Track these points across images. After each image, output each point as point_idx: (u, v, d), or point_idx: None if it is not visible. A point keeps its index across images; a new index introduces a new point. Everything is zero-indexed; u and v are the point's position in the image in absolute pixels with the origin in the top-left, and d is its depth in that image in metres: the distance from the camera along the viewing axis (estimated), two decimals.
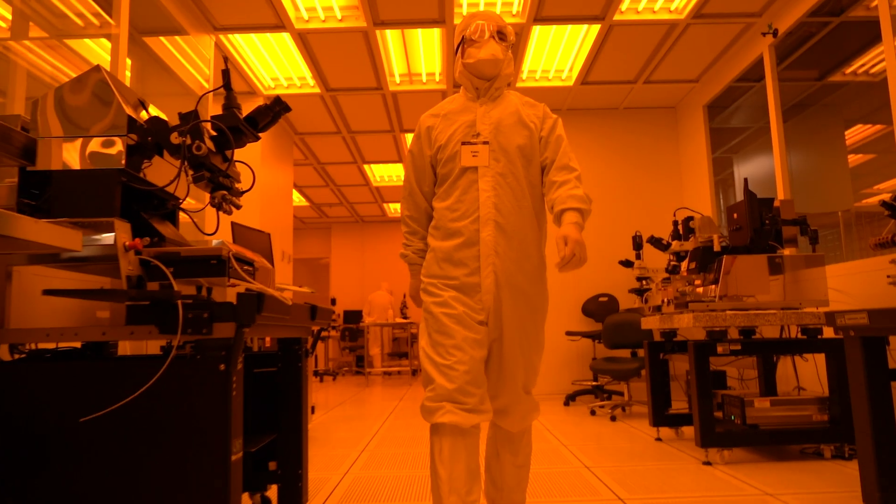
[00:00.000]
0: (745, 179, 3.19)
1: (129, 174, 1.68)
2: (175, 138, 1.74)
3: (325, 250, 11.94)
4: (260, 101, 5.47)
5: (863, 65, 5.28)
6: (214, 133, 1.82)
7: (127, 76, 3.53)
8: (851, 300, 3.25)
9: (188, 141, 1.72)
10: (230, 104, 1.86)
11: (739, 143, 6.54)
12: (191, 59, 4.58)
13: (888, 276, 2.10)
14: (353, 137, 6.86)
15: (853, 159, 6.54)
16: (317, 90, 5.52)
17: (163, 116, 1.87)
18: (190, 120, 1.76)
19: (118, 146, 1.67)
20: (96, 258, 1.58)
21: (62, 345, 1.82)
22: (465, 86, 1.96)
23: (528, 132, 1.88)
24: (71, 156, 1.67)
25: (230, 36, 4.64)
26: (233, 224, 3.35)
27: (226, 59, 1.83)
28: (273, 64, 5.16)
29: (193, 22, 4.32)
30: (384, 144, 7.15)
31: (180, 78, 4.64)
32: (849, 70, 5.40)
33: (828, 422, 2.96)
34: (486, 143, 1.84)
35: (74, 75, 1.70)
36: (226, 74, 1.86)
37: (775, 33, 4.41)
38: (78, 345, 1.84)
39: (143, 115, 1.84)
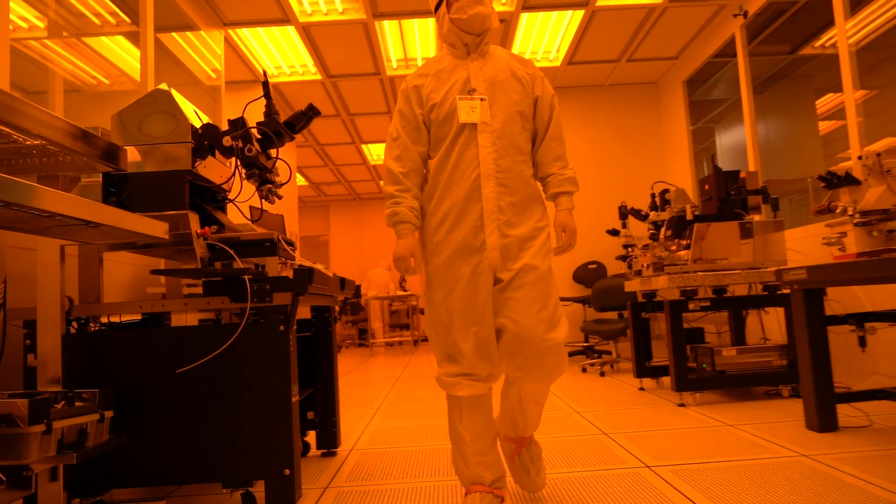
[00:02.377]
0: (713, 155, 3.57)
1: (193, 174, 2.04)
2: (227, 141, 2.10)
3: (325, 228, 12.29)
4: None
5: (831, 38, 5.61)
6: (259, 136, 2.18)
7: (151, 73, 3.84)
8: (807, 259, 3.67)
9: (240, 144, 2.08)
10: (270, 111, 2.22)
11: (720, 113, 6.90)
12: (200, 52, 4.87)
13: (823, 238, 2.50)
14: (351, 119, 7.18)
15: (827, 126, 6.90)
16: (318, 77, 5.82)
17: (204, 117, 2.22)
18: (238, 126, 2.13)
19: (184, 151, 2.03)
20: (170, 243, 1.97)
21: (125, 318, 2.22)
22: (452, 43, 1.91)
23: (522, 87, 1.88)
24: (147, 160, 2.03)
25: (238, 30, 4.92)
26: (251, 208, 3.71)
27: (265, 73, 2.18)
28: (277, 53, 5.46)
29: (204, 18, 4.61)
30: (382, 125, 7.47)
31: (189, 70, 4.94)
32: (818, 43, 5.73)
33: (786, 366, 3.39)
34: (483, 99, 1.82)
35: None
36: (265, 86, 2.22)
37: (745, 15, 4.74)
38: (139, 317, 2.25)
39: (197, 122, 2.20)
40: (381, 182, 1.98)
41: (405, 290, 10.18)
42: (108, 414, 1.74)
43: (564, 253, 1.87)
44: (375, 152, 8.82)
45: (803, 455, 2.24)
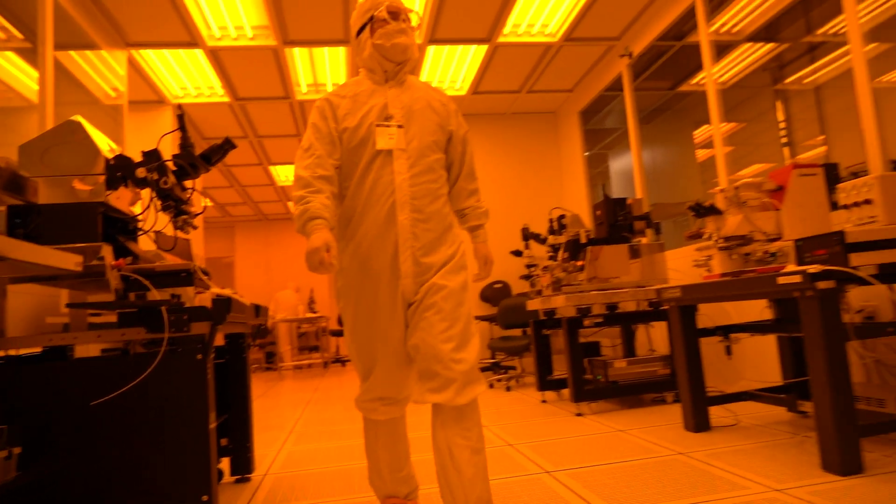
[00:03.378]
0: (604, 185, 3.92)
1: (106, 205, 2.05)
2: (141, 173, 2.13)
3: (230, 249, 11.95)
4: (168, 110, 5.67)
5: (704, 77, 6.27)
6: (175, 168, 2.22)
7: (50, 93, 3.71)
8: (684, 277, 4.09)
9: (155, 176, 2.12)
10: (186, 144, 2.27)
11: (612, 141, 7.49)
12: (100, 71, 4.72)
13: (693, 261, 2.85)
14: (259, 141, 7.13)
15: (704, 154, 7.64)
16: (226, 99, 5.78)
17: (111, 144, 2.24)
18: (153, 158, 2.16)
19: (97, 183, 2.04)
20: (84, 275, 1.97)
21: (23, 351, 2.18)
22: (371, 68, 1.92)
23: (438, 117, 1.92)
24: (57, 191, 2.02)
25: (142, 50, 4.82)
26: (156, 233, 3.65)
27: (180, 107, 2.23)
28: (183, 75, 5.37)
29: (106, 38, 4.48)
30: (291, 147, 7.46)
31: (87, 88, 4.77)
32: (693, 81, 6.37)
33: (669, 374, 3.76)
34: (400, 126, 1.84)
35: None
36: (181, 119, 2.26)
37: (630, 55, 5.23)
38: (39, 350, 2.21)
39: (108, 151, 2.21)
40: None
41: (314, 312, 10.08)
42: (17, 450, 1.72)
43: (482, 281, 2.00)
44: (283, 174, 8.76)
45: (680, 453, 2.53)
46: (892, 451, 2.29)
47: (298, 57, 5.13)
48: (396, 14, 1.88)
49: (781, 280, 2.18)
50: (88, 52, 4.54)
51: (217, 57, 4.92)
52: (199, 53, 4.88)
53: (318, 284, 11.69)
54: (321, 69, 5.45)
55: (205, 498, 1.88)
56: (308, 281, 11.51)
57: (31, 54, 4.03)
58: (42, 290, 2.94)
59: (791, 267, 2.29)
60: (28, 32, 4.04)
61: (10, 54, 4.21)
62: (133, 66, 5.00)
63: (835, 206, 2.78)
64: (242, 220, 11.79)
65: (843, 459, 2.05)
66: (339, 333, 10.26)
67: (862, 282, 2.10)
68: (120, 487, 1.84)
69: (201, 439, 1.91)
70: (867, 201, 2.34)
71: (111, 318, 2.20)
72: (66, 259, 1.73)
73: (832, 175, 2.88)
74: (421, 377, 1.76)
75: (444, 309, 1.77)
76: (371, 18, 1.89)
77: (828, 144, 5.60)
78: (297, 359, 10.50)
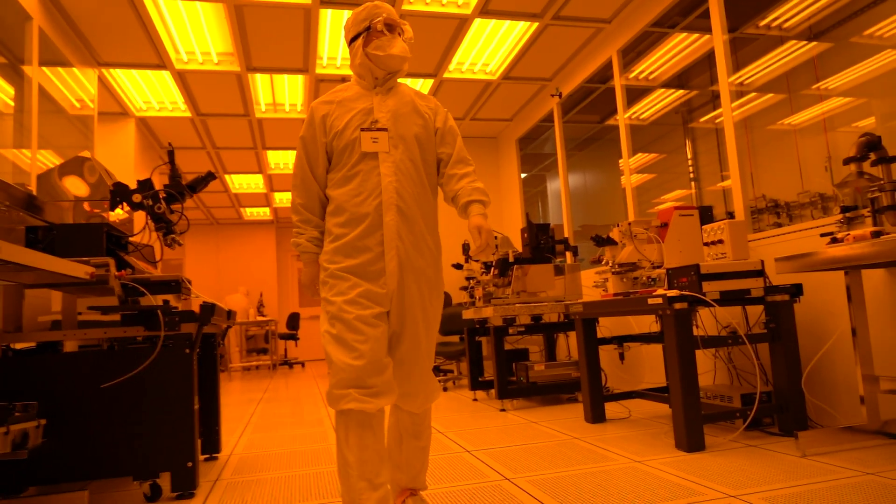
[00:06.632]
0: (528, 214, 4.53)
1: (109, 225, 2.49)
2: (136, 198, 2.58)
3: (179, 251, 12.08)
4: (131, 122, 5.98)
5: (628, 115, 7.00)
6: (164, 195, 2.67)
7: (35, 113, 4.04)
8: (595, 294, 4.74)
9: (150, 202, 2.57)
10: (174, 175, 2.72)
11: (550, 164, 8.20)
12: (69, 85, 5.02)
13: (594, 282, 3.47)
14: (217, 152, 7.48)
15: (635, 179, 8.41)
16: (188, 114, 6.14)
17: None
18: (146, 187, 2.61)
19: (103, 207, 2.48)
20: (90, 283, 2.40)
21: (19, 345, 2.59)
22: (361, 75, 1.96)
23: (423, 121, 1.96)
24: (70, 213, 2.45)
25: (112, 70, 5.16)
26: (145, 246, 4.04)
27: (170, 144, 2.68)
28: (148, 91, 5.72)
29: (79, 57, 4.81)
30: (247, 159, 7.83)
31: (55, 99, 5.07)
32: (618, 116, 7.10)
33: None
34: (384, 129, 1.88)
35: None
36: (170, 154, 2.72)
37: (560, 95, 5.90)
38: (33, 345, 2.62)
39: (107, 179, 2.64)
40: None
41: (263, 315, 10.39)
42: (42, 422, 2.15)
43: (483, 252, 1.90)
44: (238, 182, 9.08)
45: (576, 438, 3.13)
46: (730, 435, 2.96)
47: (260, 81, 5.56)
48: (392, 27, 1.93)
49: (650, 301, 2.81)
50: (60, 69, 4.85)
51: (183, 78, 5.30)
52: (166, 75, 5.26)
53: (268, 289, 11.98)
54: (280, 92, 5.90)
55: (189, 464, 2.34)
56: (258, 285, 11.80)
57: (3, 67, 4.33)
58: (33, 293, 3.31)
59: (660, 291, 2.93)
60: (1, 47, 4.33)
61: None
62: (99, 80, 5.31)
63: None
64: (193, 223, 11.95)
65: (689, 440, 2.68)
66: (287, 336, 10.59)
67: (707, 304, 2.75)
68: (123, 454, 2.28)
69: (187, 418, 2.37)
70: (720, 241, 3.01)
71: (94, 316, 2.61)
72: (79, 269, 2.18)
73: (706, 216, 3.56)
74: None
75: (428, 336, 1.94)
76: (367, 28, 1.94)
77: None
78: (245, 360, 10.76)
